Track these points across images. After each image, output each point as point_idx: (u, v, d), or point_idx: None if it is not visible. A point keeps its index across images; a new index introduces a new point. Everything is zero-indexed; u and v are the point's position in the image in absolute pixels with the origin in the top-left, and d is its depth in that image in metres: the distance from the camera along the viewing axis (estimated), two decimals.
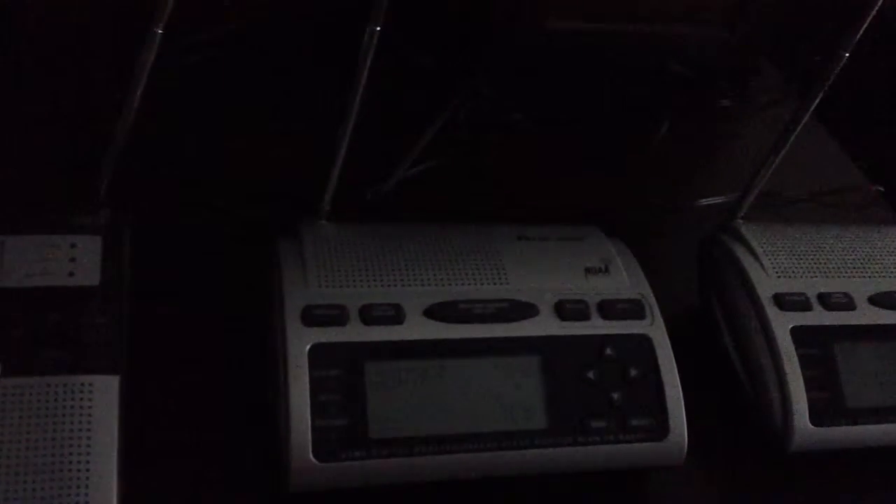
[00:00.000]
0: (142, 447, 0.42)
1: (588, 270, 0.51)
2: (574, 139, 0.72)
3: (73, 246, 0.46)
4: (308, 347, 0.44)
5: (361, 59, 0.45)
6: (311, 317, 0.45)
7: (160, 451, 0.44)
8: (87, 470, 0.40)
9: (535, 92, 0.74)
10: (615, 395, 0.47)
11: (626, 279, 0.51)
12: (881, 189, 0.74)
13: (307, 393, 0.43)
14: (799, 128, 0.53)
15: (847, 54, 0.50)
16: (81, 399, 0.41)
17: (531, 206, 0.63)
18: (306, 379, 0.43)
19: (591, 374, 0.47)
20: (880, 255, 0.55)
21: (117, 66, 0.48)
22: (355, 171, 0.51)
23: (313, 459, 0.42)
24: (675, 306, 0.57)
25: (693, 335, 0.57)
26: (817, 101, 0.53)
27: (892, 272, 0.54)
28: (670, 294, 0.53)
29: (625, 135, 0.74)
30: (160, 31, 0.44)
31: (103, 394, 0.41)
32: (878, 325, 0.52)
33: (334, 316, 0.45)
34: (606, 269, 0.51)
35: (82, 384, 0.41)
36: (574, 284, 0.50)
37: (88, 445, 0.40)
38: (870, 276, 0.54)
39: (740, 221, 0.56)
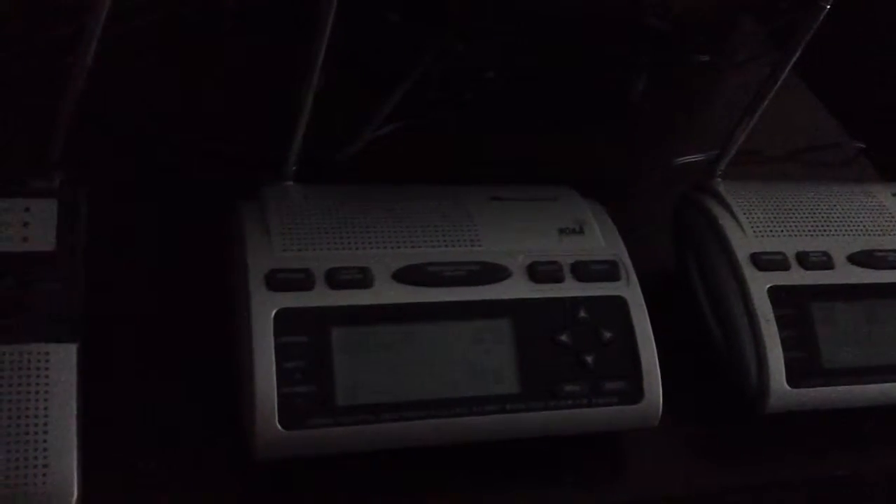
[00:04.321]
0: (103, 417, 0.41)
1: (562, 231, 0.50)
2: (548, 97, 0.71)
3: (26, 210, 0.44)
4: (273, 313, 0.43)
5: (322, 15, 0.44)
6: (276, 281, 0.43)
7: (122, 421, 0.43)
8: (45, 441, 0.39)
9: (508, 48, 0.72)
10: (589, 359, 0.46)
11: (600, 240, 0.50)
12: (862, 146, 0.74)
13: (272, 359, 0.42)
14: (778, 84, 0.52)
15: (828, 6, 0.49)
16: (38, 369, 0.40)
17: (505, 166, 0.62)
18: (271, 345, 0.42)
19: (564, 337, 0.46)
20: (860, 213, 0.54)
21: (69, 26, 0.46)
22: (324, 131, 0.49)
23: (279, 427, 0.41)
24: (653, 266, 0.57)
25: (670, 295, 0.56)
26: (796, 55, 0.51)
27: (871, 230, 0.53)
28: (647, 254, 0.52)
29: (601, 92, 0.73)
30: None
31: (60, 363, 0.40)
32: (857, 285, 0.51)
33: (300, 280, 0.44)
34: (581, 230, 0.50)
35: (38, 353, 0.40)
36: (547, 246, 0.49)
37: (46, 416, 0.39)
38: (849, 235, 0.53)
39: (718, 180, 0.55)
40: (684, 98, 0.77)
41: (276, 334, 0.42)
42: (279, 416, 0.41)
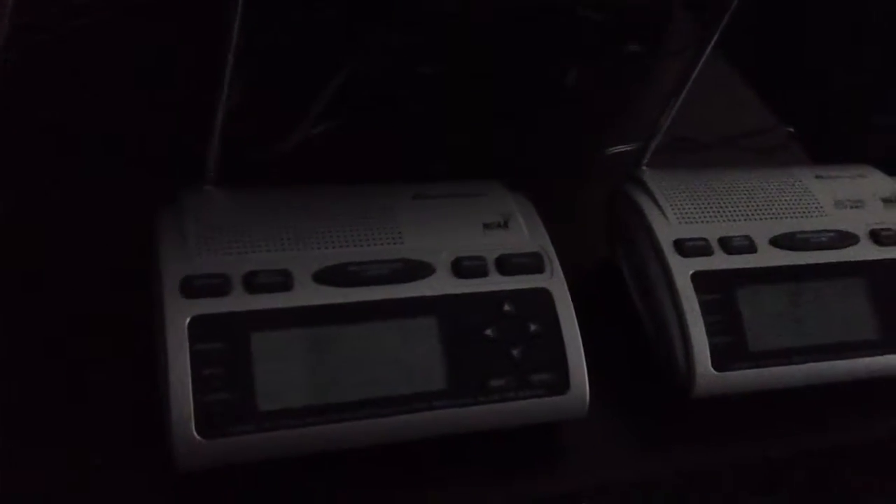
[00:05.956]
0: (17, 434, 0.40)
1: (486, 226, 0.50)
2: (483, 91, 0.71)
3: None
4: (188, 320, 0.42)
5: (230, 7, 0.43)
6: (191, 288, 0.43)
7: (38, 438, 0.42)
8: None
9: (443, 41, 0.72)
10: (515, 352, 0.46)
11: (525, 233, 0.50)
12: (792, 130, 0.74)
13: (187, 367, 0.41)
14: (697, 69, 0.52)
15: None
16: None
17: (439, 161, 0.61)
18: (186, 353, 0.41)
19: (490, 332, 0.46)
20: (782, 197, 0.55)
21: None
22: (253, 131, 0.48)
23: (197, 436, 0.40)
24: (585, 259, 0.57)
25: (602, 287, 0.56)
26: (714, 39, 0.51)
27: (794, 213, 0.54)
28: (581, 245, 0.52)
29: (533, 83, 0.73)
30: None
31: None
32: (780, 267, 0.51)
33: (216, 285, 0.43)
34: (506, 224, 0.50)
35: None
36: (471, 241, 0.48)
37: None
38: (771, 218, 0.53)
39: (644, 169, 0.55)
40: (618, 88, 0.77)
41: (192, 342, 0.41)
42: (196, 424, 0.40)
